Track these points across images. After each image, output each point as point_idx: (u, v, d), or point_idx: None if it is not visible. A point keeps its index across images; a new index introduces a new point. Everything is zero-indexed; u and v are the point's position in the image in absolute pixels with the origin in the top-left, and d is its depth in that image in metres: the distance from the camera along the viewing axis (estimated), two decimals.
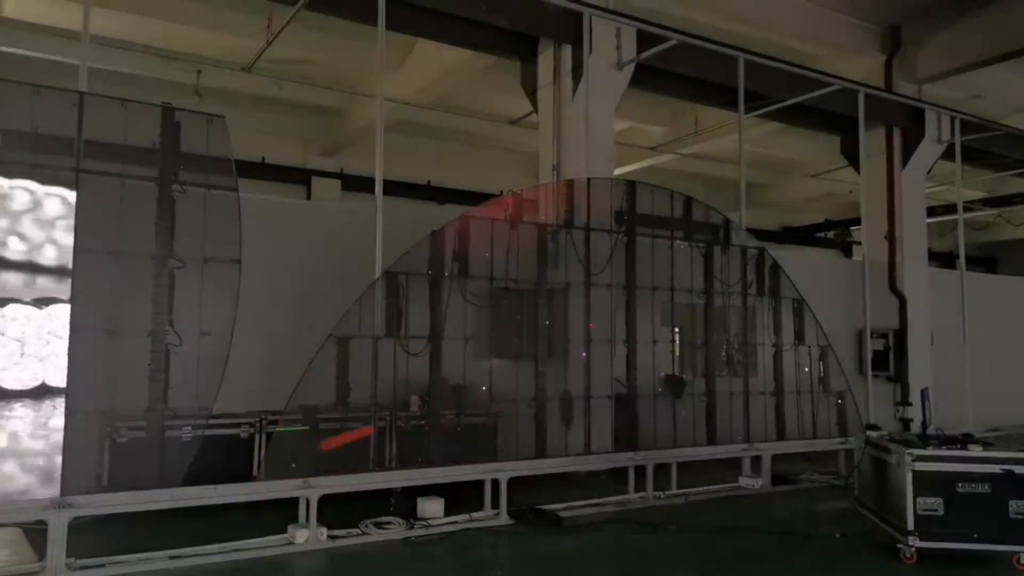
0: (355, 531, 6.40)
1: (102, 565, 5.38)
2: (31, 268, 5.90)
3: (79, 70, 6.25)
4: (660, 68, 10.40)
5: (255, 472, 7.01)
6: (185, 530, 5.97)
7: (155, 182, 6.29)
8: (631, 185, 9.21)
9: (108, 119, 6.15)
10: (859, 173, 12.77)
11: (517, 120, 14.34)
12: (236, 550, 5.86)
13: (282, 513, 6.28)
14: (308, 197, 15.00)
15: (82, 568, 5.32)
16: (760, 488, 8.64)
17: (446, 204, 15.88)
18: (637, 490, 7.92)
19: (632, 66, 9.95)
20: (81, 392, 5.66)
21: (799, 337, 9.88)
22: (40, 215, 6.01)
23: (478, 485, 7.09)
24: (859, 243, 16.80)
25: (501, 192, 12.12)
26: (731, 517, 7.34)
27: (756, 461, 8.87)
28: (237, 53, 11.07)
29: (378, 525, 6.54)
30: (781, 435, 9.53)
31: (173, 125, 6.40)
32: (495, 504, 7.02)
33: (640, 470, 8.01)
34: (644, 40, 9.90)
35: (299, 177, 15.09)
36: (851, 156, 12.87)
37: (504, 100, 13.58)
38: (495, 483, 7.07)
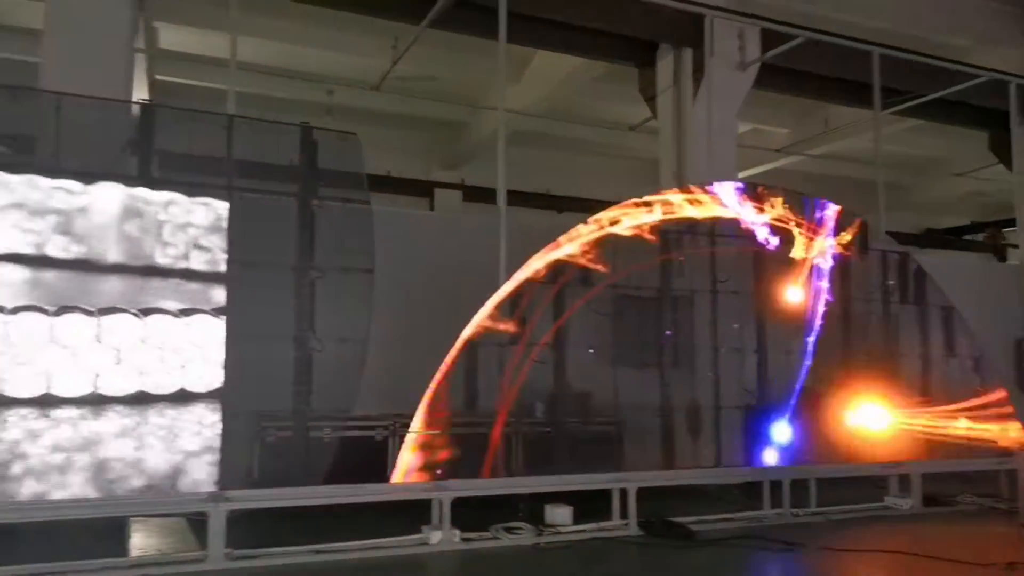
0: (486, 535, 6.51)
1: (255, 556, 5.73)
2: (188, 276, 6.34)
3: (228, 95, 6.72)
4: (785, 67, 10.06)
5: (389, 473, 7.26)
6: (321, 526, 6.24)
7: (296, 197, 6.68)
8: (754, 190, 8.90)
9: (254, 140, 6.59)
10: (1011, 170, 11.81)
11: (636, 126, 14.23)
12: (374, 548, 6.09)
13: (408, 514, 6.44)
14: (431, 208, 15.47)
15: (238, 558, 5.68)
16: (910, 509, 8.07)
17: (565, 212, 15.93)
18: (772, 506, 7.61)
19: (756, 67, 9.67)
20: (235, 394, 6.08)
21: (949, 347, 9.20)
22: (198, 228, 6.44)
23: (604, 494, 7.04)
24: (1015, 246, 15.50)
25: (619, 199, 12.02)
26: (879, 539, 6.89)
27: (904, 480, 8.30)
28: (366, 73, 11.59)
29: (508, 530, 6.62)
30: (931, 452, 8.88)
31: (311, 143, 6.77)
32: (623, 514, 6.94)
33: (775, 485, 7.69)
34: (768, 39, 9.60)
35: (423, 189, 15.58)
36: (1001, 152, 11.93)
37: (621, 107, 13.51)
38: (623, 493, 6.99)
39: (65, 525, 5.62)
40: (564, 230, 7.78)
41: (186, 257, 6.07)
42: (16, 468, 5.47)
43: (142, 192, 5.84)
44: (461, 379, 7.24)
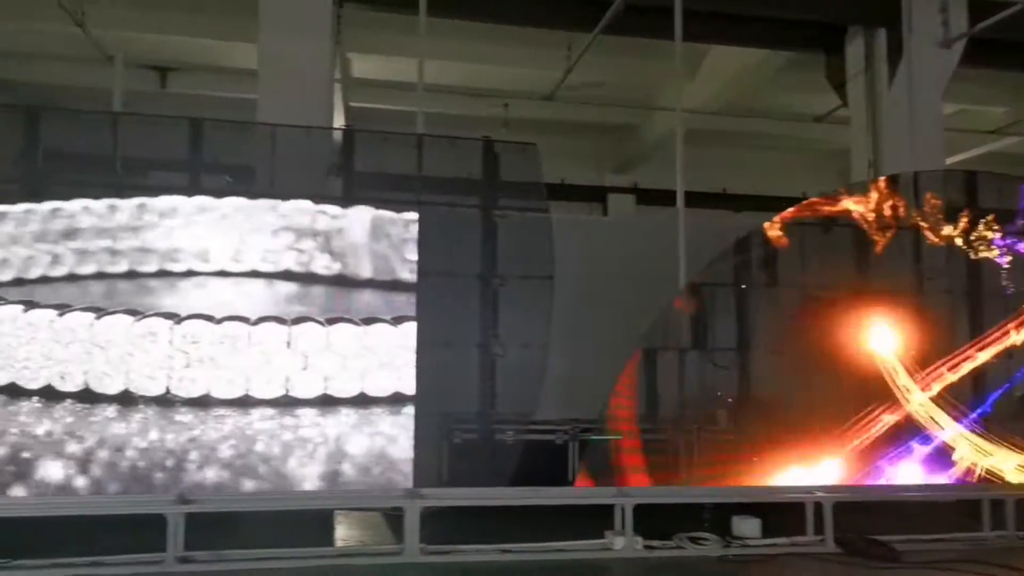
0: (669, 543, 6.40)
1: (447, 552, 6.02)
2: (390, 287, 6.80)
3: (416, 116, 7.15)
4: (999, 40, 9.03)
5: (570, 478, 7.38)
6: (504, 527, 6.40)
7: (479, 209, 6.97)
8: (970, 176, 8.08)
9: (440, 156, 6.95)
10: None
11: (821, 117, 13.40)
12: (558, 550, 6.18)
13: (587, 518, 6.44)
14: (604, 213, 15.48)
15: (431, 553, 6.00)
16: None
17: (743, 211, 15.32)
18: (994, 528, 6.84)
19: (963, 42, 8.78)
20: (426, 397, 6.44)
21: None
22: (390, 240, 6.90)
23: (795, 507, 6.68)
24: None
25: (803, 195, 11.39)
26: None
27: None
28: (539, 84, 11.85)
29: (692, 539, 6.47)
30: None
31: (492, 156, 7.04)
32: (818, 530, 6.55)
33: (997, 504, 6.90)
34: (977, 10, 8.68)
35: (596, 195, 15.63)
36: None
37: (803, 97, 12.79)
38: (817, 507, 6.60)
39: (278, 516, 6.22)
40: (743, 230, 7.51)
41: (384, 268, 6.57)
42: (240, 462, 6.14)
43: (338, 210, 6.42)
44: (642, 385, 7.20)
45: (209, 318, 6.03)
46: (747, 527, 6.59)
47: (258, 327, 6.10)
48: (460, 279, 6.83)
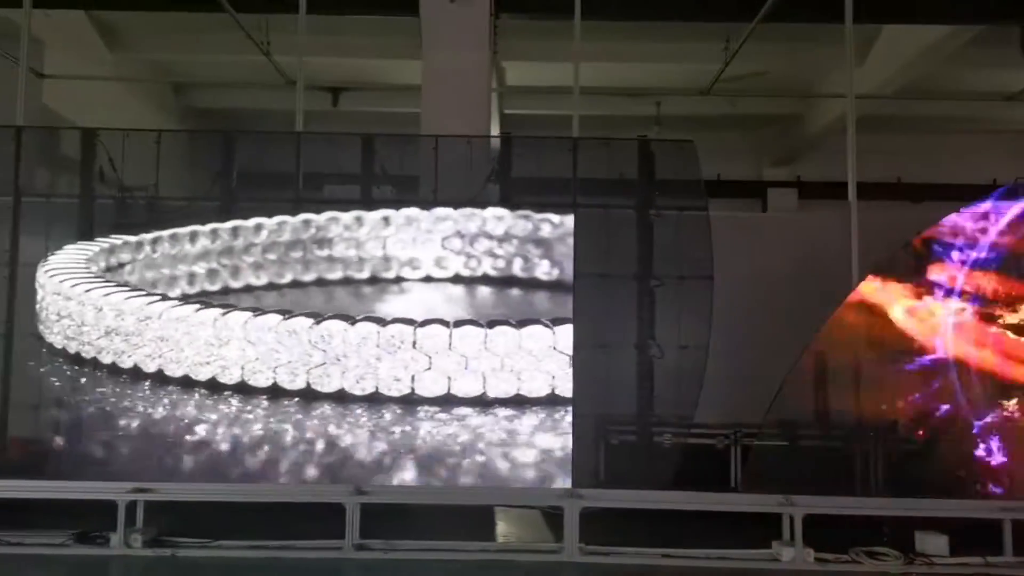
0: (843, 557, 6.04)
1: (606, 553, 6.04)
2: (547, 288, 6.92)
3: (572, 120, 7.22)
4: None
5: (732, 484, 7.15)
6: (661, 531, 6.29)
7: (634, 209, 6.91)
8: None
9: (595, 157, 6.97)
10: None
11: (1014, 95, 12.10)
12: (721, 557, 6.02)
13: (748, 527, 6.24)
14: (764, 210, 14.83)
15: (590, 553, 6.03)
16: None
17: (923, 202, 14.13)
18: None
19: None
20: (584, 398, 6.48)
21: None
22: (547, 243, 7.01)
23: (988, 524, 6.08)
24: None
25: (994, 182, 10.34)
26: None
27: None
28: (694, 79, 11.58)
29: (870, 554, 6.07)
30: None
31: (648, 155, 6.97)
32: (1019, 550, 5.93)
33: None
34: None
35: (754, 190, 15.01)
36: None
37: (991, 75, 11.61)
38: (1018, 525, 5.98)
39: (441, 509, 6.49)
40: (924, 222, 6.92)
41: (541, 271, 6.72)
42: (412, 457, 6.47)
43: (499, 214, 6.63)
44: (809, 389, 6.85)
45: (409, 321, 6.38)
46: (933, 544, 6.09)
47: (424, 328, 6.40)
48: (616, 280, 6.81)
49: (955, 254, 6.69)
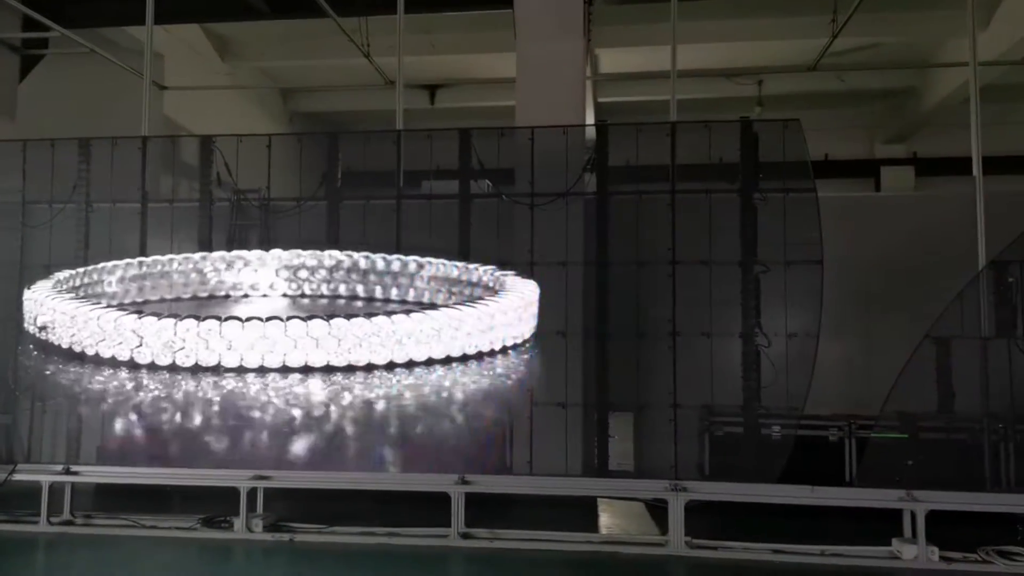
0: (971, 556, 5.67)
1: (715, 548, 5.91)
2: None
3: (669, 104, 7.06)
4: None
5: (847, 478, 6.83)
6: (772, 525, 6.11)
7: (737, 193, 6.69)
8: None
9: (694, 141, 6.79)
10: None
11: None
12: (836, 555, 5.78)
13: (863, 523, 5.96)
14: (877, 189, 14.09)
15: (698, 548, 5.92)
16: None
17: None
18: None
19: None
20: (687, 388, 6.36)
21: None
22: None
23: None
24: None
25: None
26: None
27: None
28: (799, 55, 11.08)
29: (1002, 554, 5.67)
30: None
31: (751, 137, 6.72)
32: None
33: None
34: None
35: (866, 169, 14.29)
36: None
37: None
38: None
39: (544, 499, 6.50)
40: None
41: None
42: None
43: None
44: (930, 377, 6.45)
45: None
46: None
47: None
48: (720, 267, 6.63)
49: None
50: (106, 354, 6.39)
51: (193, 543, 6.21)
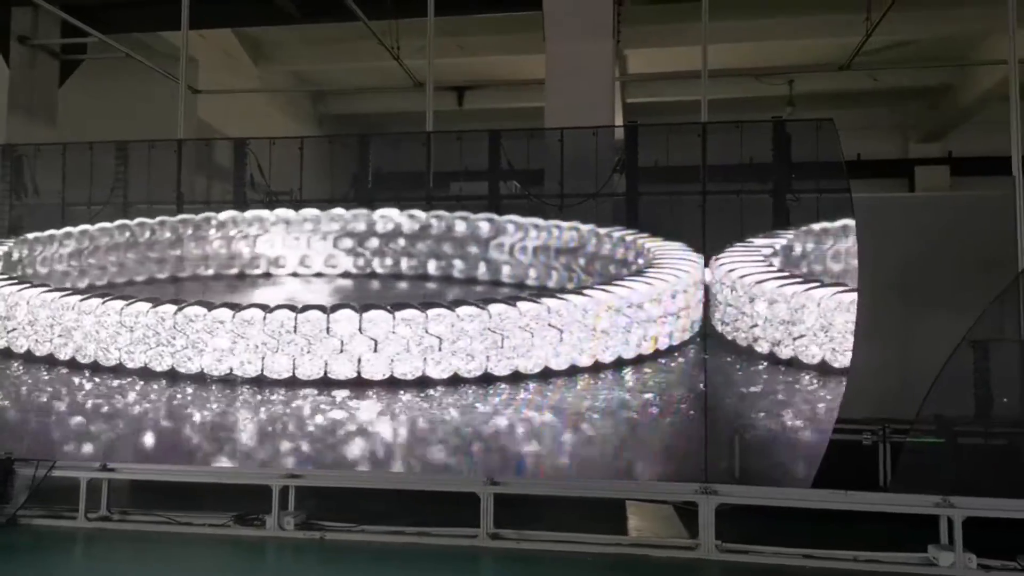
0: (1010, 564, 5.55)
1: (745, 552, 5.85)
2: None
3: (695, 105, 7.02)
4: None
5: (881, 483, 6.74)
6: (801, 530, 6.01)
7: (769, 194, 6.62)
8: None
9: (725, 142, 6.73)
10: None
11: None
12: (870, 560, 5.69)
13: (892, 528, 5.90)
14: (911, 189, 13.83)
15: (728, 552, 5.87)
16: None
17: None
18: None
19: None
20: (717, 391, 6.30)
21: None
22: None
23: None
24: None
25: None
26: None
27: None
28: (831, 55, 10.96)
29: None
30: None
31: (783, 137, 6.65)
32: None
33: None
34: None
35: (899, 169, 14.03)
36: None
37: None
38: None
39: (567, 501, 6.48)
40: None
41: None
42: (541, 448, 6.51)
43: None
44: (968, 381, 6.33)
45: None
46: None
47: None
48: None
49: None
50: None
51: (227, 540, 6.30)
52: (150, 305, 6.42)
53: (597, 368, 6.15)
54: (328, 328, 6.14)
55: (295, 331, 6.17)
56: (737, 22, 10.08)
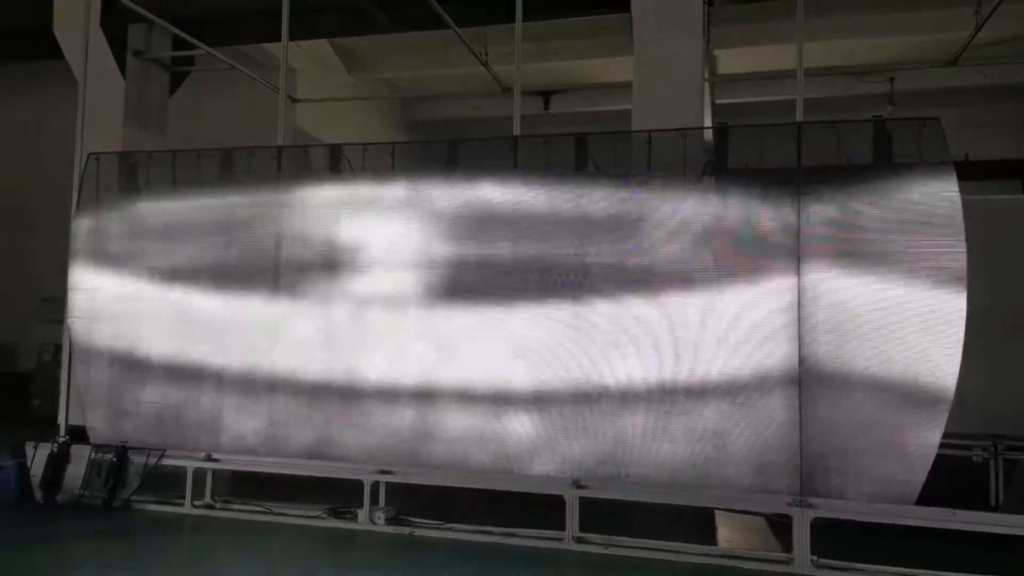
0: None
1: (844, 569, 5.61)
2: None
3: (796, 103, 6.80)
4: None
5: (992, 502, 6.35)
6: (904, 549, 5.75)
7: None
8: None
9: (820, 143, 6.48)
10: None
11: None
12: None
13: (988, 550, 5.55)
14: (1023, 191, 13.03)
15: (825, 568, 5.64)
16: None
17: None
18: None
19: None
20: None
21: None
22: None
23: None
24: None
25: None
26: None
27: None
28: (937, 50, 10.44)
29: None
30: None
31: (884, 137, 6.36)
32: None
33: None
34: None
35: (1012, 170, 13.22)
36: None
37: None
38: None
39: (659, 508, 6.37)
40: None
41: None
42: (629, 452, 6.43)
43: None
44: None
45: None
46: None
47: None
48: None
49: None
50: None
51: (321, 531, 6.51)
52: None
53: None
54: None
55: None
56: (833, 19, 9.73)
